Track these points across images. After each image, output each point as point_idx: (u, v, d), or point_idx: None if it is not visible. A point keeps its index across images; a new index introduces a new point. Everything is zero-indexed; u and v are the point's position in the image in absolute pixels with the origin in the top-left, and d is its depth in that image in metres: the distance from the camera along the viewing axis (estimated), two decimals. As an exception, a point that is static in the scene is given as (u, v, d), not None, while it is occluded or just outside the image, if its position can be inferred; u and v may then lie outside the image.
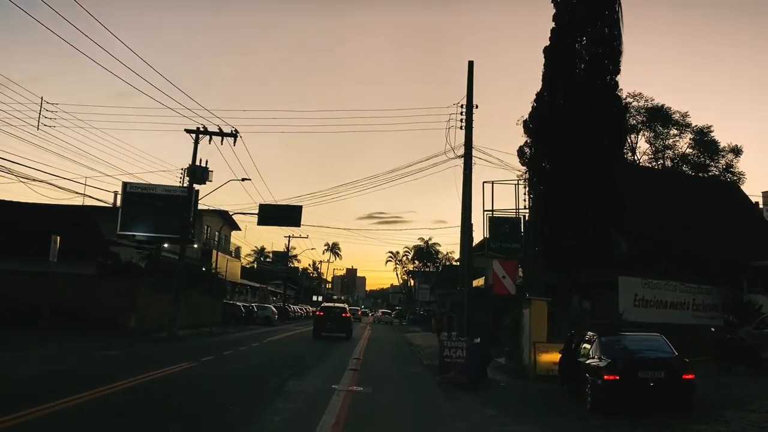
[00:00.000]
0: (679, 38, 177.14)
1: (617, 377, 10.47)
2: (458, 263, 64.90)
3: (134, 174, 42.10)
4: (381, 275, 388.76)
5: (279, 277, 74.76)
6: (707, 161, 38.29)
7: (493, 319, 25.39)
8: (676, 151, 39.13)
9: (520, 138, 28.73)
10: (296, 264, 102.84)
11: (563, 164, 19.15)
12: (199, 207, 43.26)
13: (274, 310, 53.39)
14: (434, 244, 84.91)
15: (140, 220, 37.03)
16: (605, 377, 10.55)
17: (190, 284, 36.08)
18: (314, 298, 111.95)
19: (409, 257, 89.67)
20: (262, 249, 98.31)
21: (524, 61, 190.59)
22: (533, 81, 30.45)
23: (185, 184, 28.81)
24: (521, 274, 22.30)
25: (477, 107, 18.73)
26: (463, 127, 18.72)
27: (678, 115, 38.79)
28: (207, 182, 28.80)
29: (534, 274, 18.51)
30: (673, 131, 39.14)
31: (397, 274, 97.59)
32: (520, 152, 21.07)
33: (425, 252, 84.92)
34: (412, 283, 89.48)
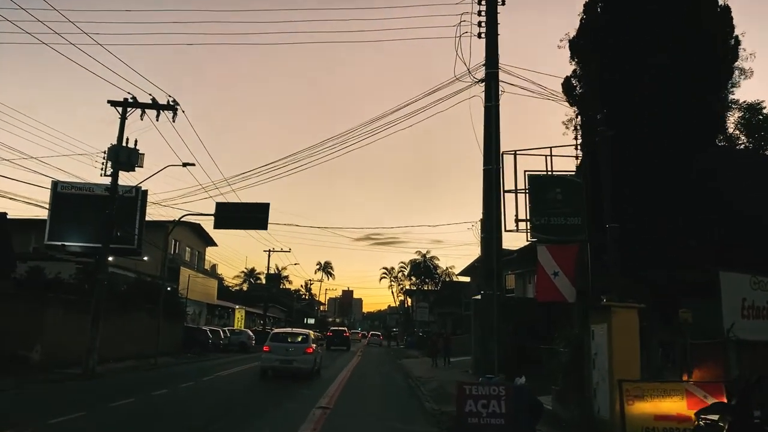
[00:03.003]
0: None
1: None
2: (459, 277, 58.02)
3: (40, 158, 35.18)
4: (378, 293, 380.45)
5: (261, 298, 68.19)
6: (763, 143, 31.62)
7: (517, 339, 18.54)
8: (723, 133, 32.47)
9: (566, 66, 22.09)
10: (288, 285, 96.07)
11: (633, 104, 12.46)
12: (167, 219, 36.34)
13: (251, 334, 46.24)
14: (432, 257, 77.77)
15: (74, 228, 30.52)
16: None
17: (138, 304, 29.72)
18: (306, 320, 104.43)
19: (405, 273, 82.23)
20: (252, 270, 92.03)
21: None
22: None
23: (109, 171, 21.91)
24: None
25: (504, 3, 11.51)
26: (484, 34, 11.48)
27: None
28: (136, 168, 22.01)
29: (604, 270, 11.60)
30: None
31: (392, 293, 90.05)
32: (567, 86, 14.30)
33: (422, 267, 77.52)
34: (409, 303, 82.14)
